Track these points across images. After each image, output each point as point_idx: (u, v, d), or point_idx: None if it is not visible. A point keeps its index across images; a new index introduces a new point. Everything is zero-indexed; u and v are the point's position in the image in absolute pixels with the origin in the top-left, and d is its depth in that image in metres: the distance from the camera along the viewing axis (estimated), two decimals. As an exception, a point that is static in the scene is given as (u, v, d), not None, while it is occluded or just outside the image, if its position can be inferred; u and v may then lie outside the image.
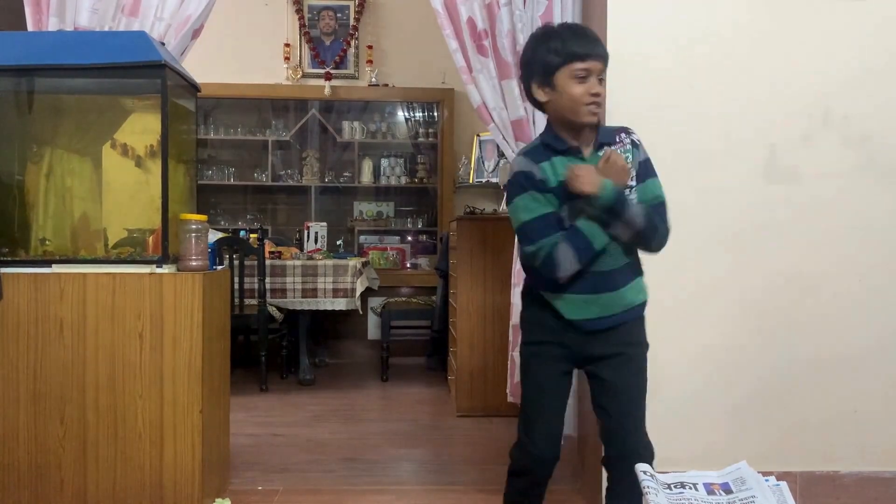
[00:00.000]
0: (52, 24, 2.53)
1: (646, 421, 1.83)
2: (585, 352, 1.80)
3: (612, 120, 2.08)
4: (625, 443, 1.78)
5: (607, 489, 1.87)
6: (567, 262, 1.69)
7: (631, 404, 1.80)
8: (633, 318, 1.82)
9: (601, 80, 1.72)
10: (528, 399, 1.87)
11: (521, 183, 1.73)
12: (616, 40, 2.34)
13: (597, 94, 1.69)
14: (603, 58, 1.72)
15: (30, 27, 2.55)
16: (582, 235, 1.69)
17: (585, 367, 1.85)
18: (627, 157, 1.75)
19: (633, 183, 1.75)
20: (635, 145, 1.78)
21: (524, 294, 1.92)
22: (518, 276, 2.63)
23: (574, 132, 1.74)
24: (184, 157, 2.55)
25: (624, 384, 1.80)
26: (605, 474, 1.87)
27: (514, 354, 2.70)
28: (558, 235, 1.70)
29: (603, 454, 1.85)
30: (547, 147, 1.75)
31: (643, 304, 1.84)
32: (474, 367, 3.73)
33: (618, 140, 1.78)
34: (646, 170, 1.79)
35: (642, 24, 2.42)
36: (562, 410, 1.87)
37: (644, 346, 1.84)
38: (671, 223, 1.79)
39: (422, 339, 5.34)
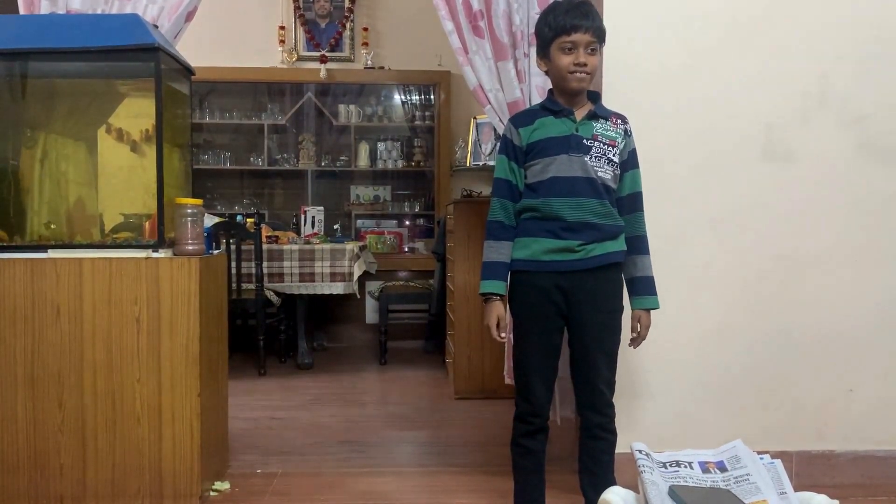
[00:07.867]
0: (45, 7, 2.51)
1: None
2: None
3: (608, 99, 2.09)
4: None
5: None
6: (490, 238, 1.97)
7: None
8: None
9: (592, 52, 1.86)
10: None
11: (504, 144, 1.98)
12: (612, 20, 2.33)
13: (582, 65, 1.84)
14: (592, 30, 1.84)
15: (21, 10, 2.53)
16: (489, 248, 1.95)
17: None
18: (617, 140, 1.91)
19: (617, 160, 1.90)
20: (628, 134, 1.95)
21: None
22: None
23: (569, 98, 1.92)
24: (179, 142, 2.54)
25: None
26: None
27: (510, 337, 2.70)
28: (509, 206, 1.94)
29: None
30: (544, 108, 1.94)
31: None
32: (472, 350, 3.74)
33: (613, 121, 1.93)
34: (632, 160, 1.96)
35: (639, 4, 2.40)
36: None
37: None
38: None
39: (420, 322, 5.35)
